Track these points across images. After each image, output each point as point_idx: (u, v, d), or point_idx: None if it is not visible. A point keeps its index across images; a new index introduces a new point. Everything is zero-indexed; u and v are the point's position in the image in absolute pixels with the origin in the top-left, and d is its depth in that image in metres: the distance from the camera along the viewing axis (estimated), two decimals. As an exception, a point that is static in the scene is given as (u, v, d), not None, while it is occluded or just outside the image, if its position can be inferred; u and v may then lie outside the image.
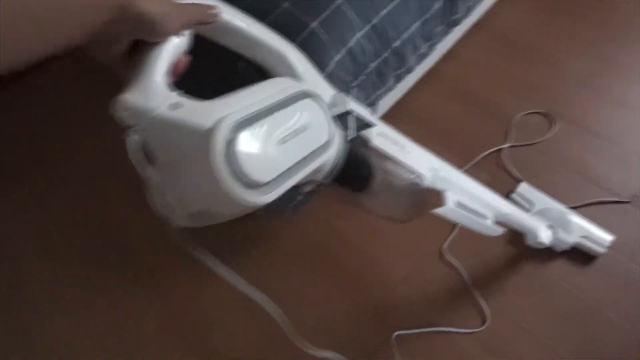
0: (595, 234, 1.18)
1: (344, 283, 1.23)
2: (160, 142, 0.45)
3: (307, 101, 0.53)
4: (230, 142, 0.42)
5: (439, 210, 0.83)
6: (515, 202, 1.27)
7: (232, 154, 0.42)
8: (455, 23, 1.34)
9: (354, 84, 1.08)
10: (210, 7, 0.51)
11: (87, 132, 1.65)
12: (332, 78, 1.01)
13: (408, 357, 1.11)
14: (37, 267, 1.37)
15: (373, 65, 1.12)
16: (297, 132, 0.50)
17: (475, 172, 1.35)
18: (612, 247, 1.18)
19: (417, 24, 1.17)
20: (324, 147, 0.54)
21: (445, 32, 1.33)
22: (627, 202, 1.27)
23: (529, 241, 1.14)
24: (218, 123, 0.42)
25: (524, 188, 1.28)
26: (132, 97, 0.43)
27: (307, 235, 1.30)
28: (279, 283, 1.23)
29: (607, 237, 1.18)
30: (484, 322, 1.14)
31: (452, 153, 1.38)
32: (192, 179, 0.45)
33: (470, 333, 1.13)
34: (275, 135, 0.47)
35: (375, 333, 1.15)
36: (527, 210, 1.23)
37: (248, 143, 0.44)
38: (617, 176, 1.32)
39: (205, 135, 0.42)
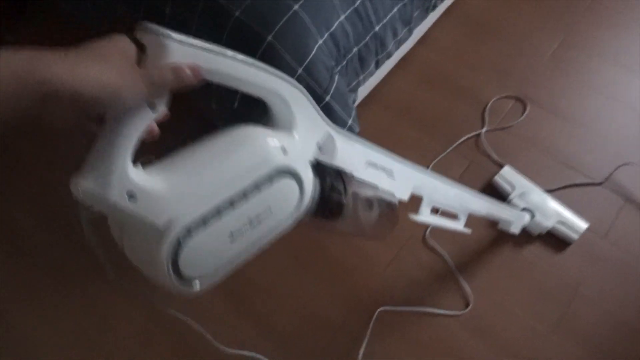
0: (572, 221, 1.22)
1: (329, 271, 1.21)
2: (115, 220, 0.46)
3: (280, 182, 0.49)
4: (177, 246, 0.43)
5: (414, 218, 0.84)
6: (498, 185, 1.29)
7: (176, 256, 0.43)
8: (432, 7, 1.34)
9: (336, 70, 1.05)
10: (189, 67, 0.41)
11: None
12: (315, 64, 0.99)
13: (393, 335, 1.12)
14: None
15: (355, 50, 1.10)
16: (257, 221, 0.48)
17: (454, 157, 1.37)
18: (589, 229, 1.22)
19: (397, 8, 1.16)
20: (287, 219, 0.52)
21: (423, 17, 1.33)
22: (599, 184, 1.31)
23: (501, 226, 1.17)
24: (168, 225, 0.42)
25: (506, 171, 1.30)
26: (87, 184, 0.40)
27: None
28: (265, 274, 1.21)
29: (582, 224, 1.21)
30: (467, 304, 1.15)
31: (431, 139, 1.41)
32: (139, 253, 0.46)
33: (455, 315, 1.14)
34: (229, 232, 0.46)
35: (360, 315, 1.15)
36: (508, 193, 1.25)
37: (195, 248, 0.44)
38: (589, 159, 1.36)
39: (155, 235, 0.42)
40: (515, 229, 1.14)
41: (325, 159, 0.59)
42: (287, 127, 0.54)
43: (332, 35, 1.02)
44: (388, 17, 1.14)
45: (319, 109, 0.57)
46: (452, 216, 0.96)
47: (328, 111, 1.03)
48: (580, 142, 1.39)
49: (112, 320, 1.18)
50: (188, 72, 0.41)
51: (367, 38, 1.11)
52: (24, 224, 1.32)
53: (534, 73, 1.53)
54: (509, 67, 1.54)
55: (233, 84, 0.49)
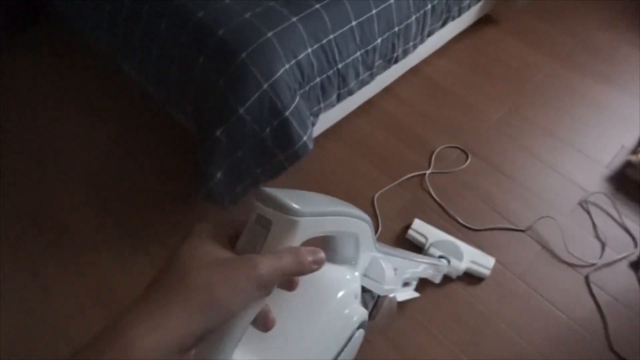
0: (482, 259, 1.36)
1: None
2: None
3: (354, 337, 0.47)
4: None
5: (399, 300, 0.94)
6: (412, 238, 1.41)
7: None
8: (394, 60, 1.55)
9: (299, 92, 1.23)
10: (311, 255, 0.37)
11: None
12: (279, 83, 1.16)
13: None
14: None
15: (318, 79, 1.28)
16: None
17: (399, 191, 1.53)
18: (507, 267, 1.37)
19: (360, 53, 1.36)
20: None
21: (385, 67, 1.53)
22: (523, 231, 1.48)
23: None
24: None
25: (417, 224, 1.43)
26: None
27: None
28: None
29: (491, 260, 1.37)
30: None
31: (381, 173, 1.58)
32: None
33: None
34: None
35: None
36: (423, 244, 1.38)
37: None
38: (517, 209, 1.53)
39: None
40: (437, 279, 1.29)
41: (371, 286, 0.57)
42: (350, 260, 0.51)
43: (298, 63, 1.20)
44: (350, 59, 1.34)
45: (374, 236, 0.54)
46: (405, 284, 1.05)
47: (286, 125, 1.20)
48: (510, 193, 1.56)
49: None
50: (310, 259, 0.37)
51: (330, 72, 1.30)
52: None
53: (481, 132, 1.73)
54: (459, 124, 1.75)
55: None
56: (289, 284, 0.38)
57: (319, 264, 0.37)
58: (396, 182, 1.54)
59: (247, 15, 1.19)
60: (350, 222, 0.47)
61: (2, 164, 1.55)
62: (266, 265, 0.33)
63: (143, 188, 1.52)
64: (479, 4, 1.89)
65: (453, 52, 1.98)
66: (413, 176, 1.57)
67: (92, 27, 1.50)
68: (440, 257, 1.32)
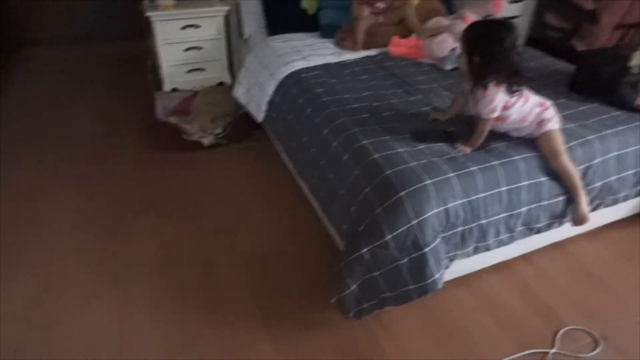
0: None
1: None
2: None
3: None
4: None
5: None
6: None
7: None
8: (536, 231, 1.64)
9: (440, 235, 1.40)
10: None
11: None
12: (426, 222, 1.36)
13: None
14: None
15: (460, 228, 1.44)
16: None
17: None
18: None
19: (503, 215, 1.50)
20: None
21: (526, 234, 1.63)
22: None
23: None
24: None
25: None
26: None
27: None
28: None
29: None
30: None
31: (504, 334, 1.59)
32: None
33: None
34: None
35: None
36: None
37: None
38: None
39: None
40: None
41: None
42: None
43: (446, 210, 1.39)
44: (494, 218, 1.48)
45: None
46: None
47: (423, 260, 1.36)
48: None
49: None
50: None
51: (473, 225, 1.45)
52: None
53: (621, 323, 1.64)
54: (597, 309, 1.69)
55: None
56: None
57: None
58: (517, 355, 1.51)
59: (413, 164, 1.45)
60: None
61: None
62: None
63: (287, 283, 1.76)
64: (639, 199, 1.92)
65: (605, 237, 1.99)
66: (535, 352, 1.54)
67: (289, 149, 1.93)
68: None
